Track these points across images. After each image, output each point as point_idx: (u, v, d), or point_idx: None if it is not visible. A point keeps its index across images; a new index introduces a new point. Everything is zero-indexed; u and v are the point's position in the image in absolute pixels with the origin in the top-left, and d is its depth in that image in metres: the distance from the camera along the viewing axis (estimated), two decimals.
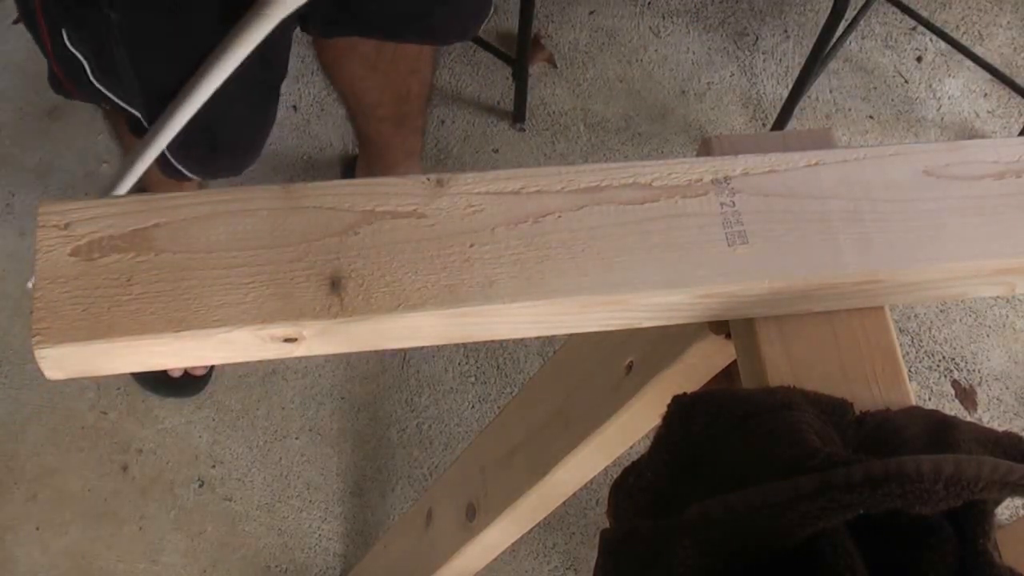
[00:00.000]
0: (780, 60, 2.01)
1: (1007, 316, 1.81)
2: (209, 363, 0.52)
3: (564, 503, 0.88)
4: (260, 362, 1.69)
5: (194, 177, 1.26)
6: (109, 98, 1.15)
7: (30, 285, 0.50)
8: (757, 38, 2.03)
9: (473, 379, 1.72)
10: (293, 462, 1.65)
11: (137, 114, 1.16)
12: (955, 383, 1.76)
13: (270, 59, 1.17)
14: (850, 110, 1.97)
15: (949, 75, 2.01)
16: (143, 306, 0.48)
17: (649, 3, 2.05)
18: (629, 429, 0.69)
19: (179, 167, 1.22)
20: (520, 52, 1.76)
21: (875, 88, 1.99)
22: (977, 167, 0.54)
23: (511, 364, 1.73)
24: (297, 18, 1.17)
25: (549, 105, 1.94)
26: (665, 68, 1.99)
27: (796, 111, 1.84)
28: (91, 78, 1.12)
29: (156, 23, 1.05)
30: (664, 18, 2.04)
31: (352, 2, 1.21)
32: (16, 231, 1.77)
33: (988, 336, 1.79)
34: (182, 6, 1.03)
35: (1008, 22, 2.07)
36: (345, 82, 1.50)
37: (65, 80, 1.15)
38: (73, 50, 1.08)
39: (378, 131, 1.60)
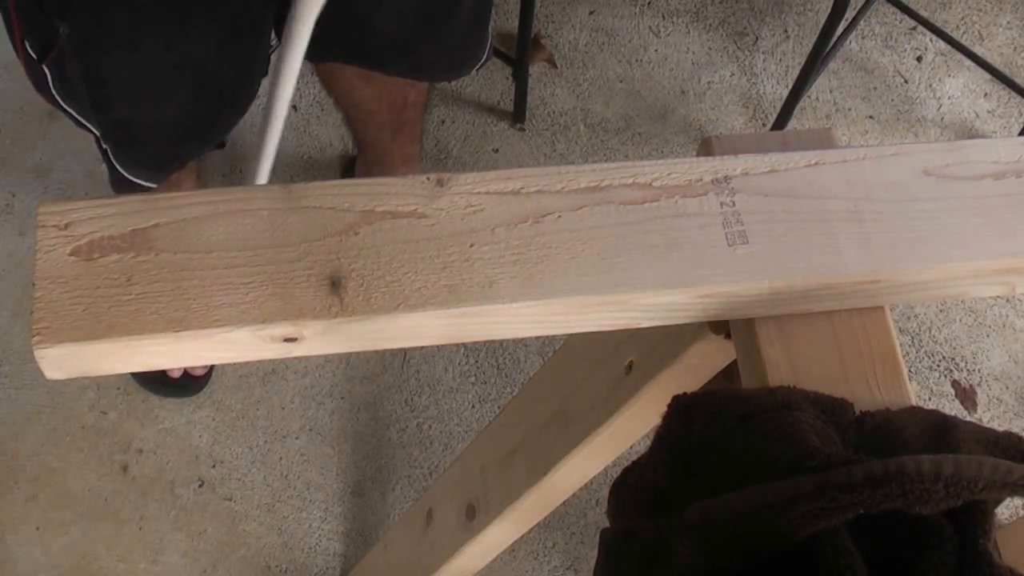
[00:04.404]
0: (780, 60, 2.01)
1: (1007, 316, 1.81)
2: (209, 363, 0.52)
3: (564, 503, 0.88)
4: (260, 362, 1.69)
5: (148, 184, 1.23)
6: (70, 112, 1.13)
7: None
8: (757, 38, 2.03)
9: (473, 379, 1.72)
10: (293, 462, 1.65)
11: (95, 132, 1.13)
12: (955, 383, 1.76)
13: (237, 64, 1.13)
14: (850, 110, 1.96)
15: (949, 75, 2.01)
16: (143, 306, 0.48)
17: (649, 3, 2.05)
18: (629, 429, 0.69)
19: (123, 171, 1.19)
20: (520, 52, 1.76)
21: (875, 88, 1.99)
22: (977, 167, 0.54)
23: (511, 364, 1.73)
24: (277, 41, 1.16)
25: (549, 105, 1.94)
26: (665, 68, 1.99)
27: (796, 111, 1.84)
28: (51, 89, 1.10)
29: (106, 39, 1.02)
30: (664, 18, 2.04)
31: (336, 30, 1.17)
32: (16, 231, 1.77)
33: (988, 336, 1.79)
34: (132, 21, 1.01)
35: (1008, 22, 2.07)
36: (341, 92, 1.48)
37: (35, 87, 1.13)
38: (35, 57, 1.07)
39: (376, 138, 1.59)
